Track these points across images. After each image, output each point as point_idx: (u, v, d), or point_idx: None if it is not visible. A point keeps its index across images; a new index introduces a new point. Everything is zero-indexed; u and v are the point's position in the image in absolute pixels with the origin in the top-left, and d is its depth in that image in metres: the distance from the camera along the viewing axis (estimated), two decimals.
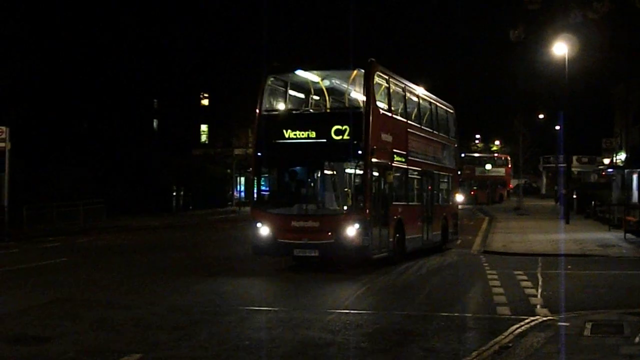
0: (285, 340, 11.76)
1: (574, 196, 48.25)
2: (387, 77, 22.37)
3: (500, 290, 16.73)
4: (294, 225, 20.14)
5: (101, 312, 14.29)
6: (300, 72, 22.32)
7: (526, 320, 12.93)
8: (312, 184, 21.48)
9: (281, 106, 22.32)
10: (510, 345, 11.14)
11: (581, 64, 41.94)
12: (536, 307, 14.64)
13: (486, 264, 22.20)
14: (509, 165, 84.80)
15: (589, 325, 12.15)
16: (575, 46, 35.96)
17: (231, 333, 12.39)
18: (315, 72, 22.50)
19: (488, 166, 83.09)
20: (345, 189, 21.55)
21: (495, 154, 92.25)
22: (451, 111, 30.60)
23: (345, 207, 21.13)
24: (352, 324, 13.08)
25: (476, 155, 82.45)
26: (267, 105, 21.55)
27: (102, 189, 43.58)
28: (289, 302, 15.50)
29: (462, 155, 74.08)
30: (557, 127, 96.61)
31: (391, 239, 21.39)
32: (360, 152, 19.86)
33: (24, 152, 36.84)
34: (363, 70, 21.08)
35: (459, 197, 69.18)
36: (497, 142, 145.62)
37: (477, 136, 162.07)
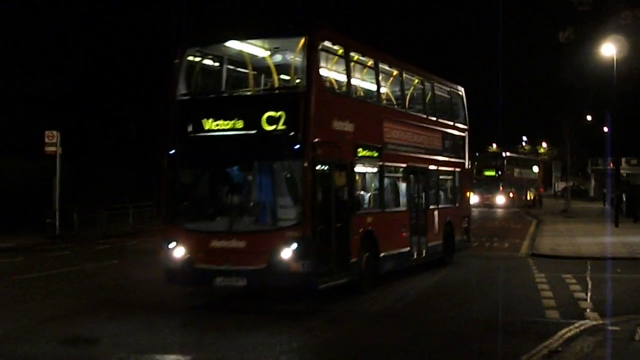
0: (334, 341, 11.81)
1: (623, 199, 47.58)
2: (345, 46, 17.12)
3: (549, 293, 16.59)
4: (214, 245, 15.11)
5: (149, 314, 14.46)
6: (231, 43, 17.03)
7: (575, 324, 12.82)
8: (239, 191, 15.95)
9: (211, 90, 17.64)
10: (560, 349, 11.04)
11: (630, 65, 41.31)
12: (585, 311, 14.48)
13: (534, 267, 21.99)
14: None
15: (639, 330, 12.02)
16: (625, 47, 35.46)
17: (281, 336, 12.47)
18: (252, 41, 17.11)
19: (535, 168, 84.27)
20: (283, 197, 15.81)
21: (527, 156, 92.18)
22: (458, 92, 25.20)
23: (280, 221, 15.37)
24: (395, 326, 13.11)
25: (514, 155, 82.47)
26: (186, 88, 16.46)
27: (150, 191, 43.93)
28: (333, 305, 15.52)
29: (504, 154, 75.61)
30: (605, 129, 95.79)
31: (354, 259, 16.10)
32: (298, 146, 14.74)
33: (74, 155, 37.29)
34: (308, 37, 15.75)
35: (500, 199, 69.80)
36: (544, 145, 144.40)
37: (524, 138, 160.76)
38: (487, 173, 71.26)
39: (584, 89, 77.10)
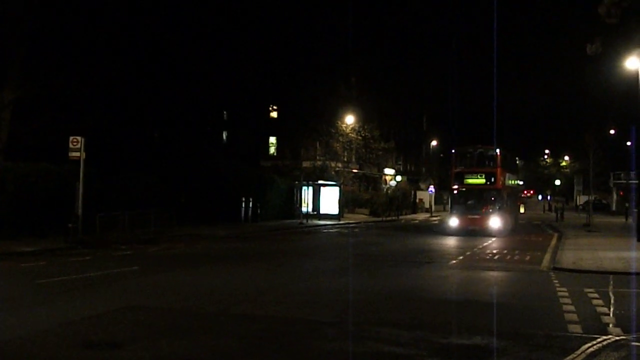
0: (354, 353, 11.78)
1: None
2: None
3: (571, 307, 16.49)
4: None
5: (172, 320, 14.52)
6: None
7: (598, 339, 12.73)
8: None
9: None
10: None
11: None
12: (608, 326, 14.36)
13: (556, 281, 21.88)
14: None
15: None
16: None
17: (300, 343, 12.47)
18: None
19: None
20: None
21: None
22: None
23: None
24: (419, 337, 13.05)
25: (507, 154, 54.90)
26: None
27: (172, 198, 44.14)
28: (355, 315, 15.45)
29: (498, 152, 48.91)
30: (629, 143, 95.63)
31: None
32: None
33: (97, 161, 37.52)
34: None
35: (494, 222, 45.59)
36: (566, 158, 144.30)
37: (547, 151, 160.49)
38: (473, 181, 47.79)
39: (608, 103, 76.85)
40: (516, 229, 52.37)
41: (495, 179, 47.01)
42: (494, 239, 42.50)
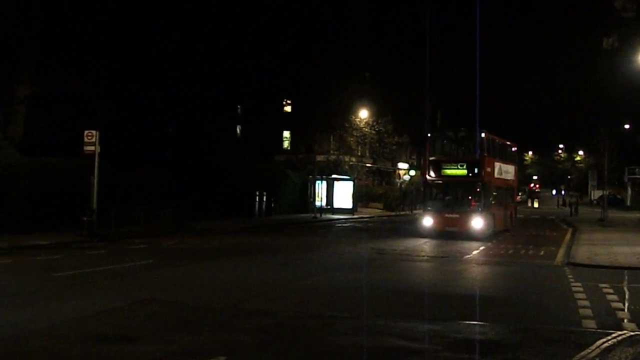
0: (367, 347, 11.76)
1: None
2: None
3: (586, 302, 16.43)
4: None
5: (186, 314, 14.53)
6: None
7: (613, 335, 12.66)
8: None
9: None
10: (598, 359, 10.94)
11: None
12: (623, 321, 14.30)
13: (570, 276, 21.81)
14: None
15: None
16: None
17: (313, 338, 12.46)
18: None
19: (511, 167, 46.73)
20: None
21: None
22: None
23: None
24: (433, 332, 13.03)
25: (495, 140, 43.71)
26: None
27: (186, 192, 44.14)
28: (369, 309, 15.45)
29: (484, 136, 39.82)
30: None
31: None
32: None
33: (111, 155, 37.58)
34: None
35: (477, 223, 37.62)
36: (580, 152, 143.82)
37: (561, 146, 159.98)
38: (452, 172, 39.74)
39: (623, 97, 76.38)
40: (511, 229, 45.31)
41: (479, 170, 38.61)
42: (508, 233, 42.17)
